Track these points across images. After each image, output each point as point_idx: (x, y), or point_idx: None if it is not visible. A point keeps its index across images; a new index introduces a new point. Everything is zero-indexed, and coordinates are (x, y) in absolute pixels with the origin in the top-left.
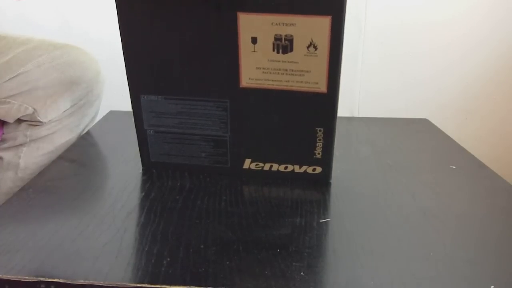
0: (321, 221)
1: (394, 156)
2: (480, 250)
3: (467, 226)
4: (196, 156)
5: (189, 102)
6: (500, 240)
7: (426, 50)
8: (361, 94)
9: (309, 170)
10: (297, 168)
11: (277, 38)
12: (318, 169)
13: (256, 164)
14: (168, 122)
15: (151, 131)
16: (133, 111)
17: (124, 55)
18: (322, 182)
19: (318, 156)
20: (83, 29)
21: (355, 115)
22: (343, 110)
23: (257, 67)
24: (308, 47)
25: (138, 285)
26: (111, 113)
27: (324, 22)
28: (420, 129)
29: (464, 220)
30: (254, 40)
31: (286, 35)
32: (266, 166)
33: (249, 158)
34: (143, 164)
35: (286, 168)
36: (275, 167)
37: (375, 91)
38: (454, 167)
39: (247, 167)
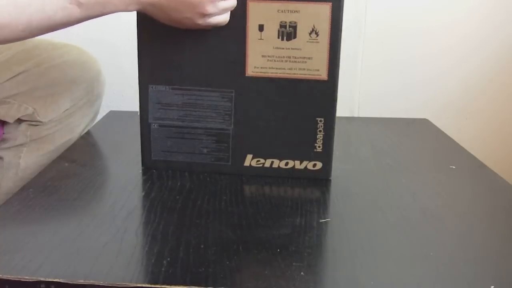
0: (321, 221)
1: (394, 156)
2: (480, 250)
3: (467, 226)
4: (197, 152)
5: (195, 92)
6: (500, 240)
7: (427, 50)
8: (361, 94)
9: (310, 166)
10: (297, 164)
11: (282, 25)
12: (319, 165)
13: (257, 161)
14: (173, 115)
15: (155, 125)
16: (139, 103)
17: (138, 45)
18: (322, 179)
19: (319, 149)
20: (83, 29)
21: (355, 115)
22: (343, 110)
23: (262, 55)
24: (310, 34)
25: (138, 285)
26: (111, 113)
27: (325, 9)
28: (420, 129)
29: (464, 220)
30: (261, 28)
31: (290, 22)
32: (267, 163)
33: (250, 153)
34: (143, 164)
35: (286, 164)
36: (276, 163)
37: (375, 91)
38: (454, 167)
39: (248, 164)
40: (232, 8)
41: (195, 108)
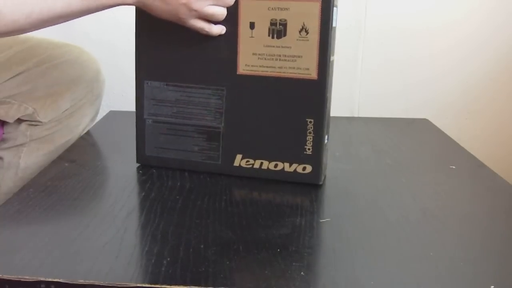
0: (321, 221)
1: (394, 156)
2: (480, 250)
3: (467, 226)
4: (189, 150)
5: (188, 89)
6: (500, 240)
7: (427, 51)
8: (361, 94)
9: (299, 169)
10: (287, 167)
11: (273, 23)
12: (308, 168)
13: (247, 161)
14: (166, 111)
15: (150, 121)
16: (136, 99)
17: (136, 42)
18: (312, 184)
19: (308, 152)
20: (83, 29)
21: (355, 115)
22: (343, 110)
23: (253, 53)
24: (300, 31)
25: (138, 285)
26: (111, 113)
27: (314, 7)
28: (420, 129)
29: (464, 220)
30: (252, 25)
31: (280, 20)
32: (257, 163)
33: (240, 153)
34: (137, 160)
35: (276, 166)
36: (265, 164)
37: (375, 91)
38: (454, 167)
39: (237, 164)
40: (230, 1)
41: (188, 105)
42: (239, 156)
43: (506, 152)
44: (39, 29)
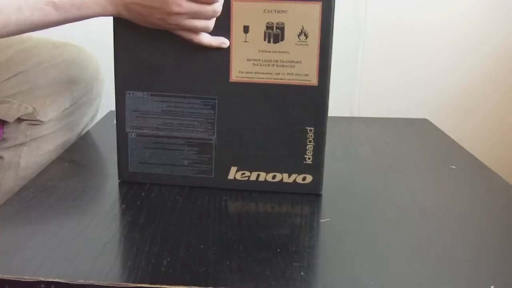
0: (321, 221)
1: (394, 156)
2: (480, 250)
3: (467, 226)
4: (178, 164)
5: (175, 99)
6: (500, 240)
7: (426, 50)
8: (361, 94)
9: (299, 179)
10: (286, 177)
11: (269, 27)
12: (309, 178)
13: (242, 174)
14: (151, 123)
15: (133, 134)
16: (116, 111)
17: (114, 49)
18: (312, 194)
19: (309, 161)
20: (83, 28)
21: (355, 115)
22: (343, 110)
23: (247, 59)
24: (299, 35)
25: (138, 285)
26: (112, 113)
27: (314, 9)
28: (420, 129)
29: (464, 220)
30: (246, 29)
31: (277, 23)
32: (253, 176)
33: (235, 166)
34: (119, 176)
35: (274, 177)
36: (262, 176)
37: (375, 91)
38: (454, 167)
39: (232, 177)
40: (205, 12)
41: (176, 116)
42: (233, 169)
43: (506, 152)
44: (19, 34)
